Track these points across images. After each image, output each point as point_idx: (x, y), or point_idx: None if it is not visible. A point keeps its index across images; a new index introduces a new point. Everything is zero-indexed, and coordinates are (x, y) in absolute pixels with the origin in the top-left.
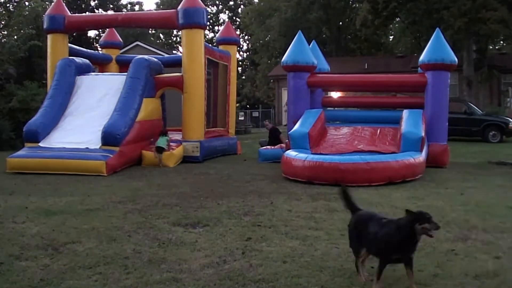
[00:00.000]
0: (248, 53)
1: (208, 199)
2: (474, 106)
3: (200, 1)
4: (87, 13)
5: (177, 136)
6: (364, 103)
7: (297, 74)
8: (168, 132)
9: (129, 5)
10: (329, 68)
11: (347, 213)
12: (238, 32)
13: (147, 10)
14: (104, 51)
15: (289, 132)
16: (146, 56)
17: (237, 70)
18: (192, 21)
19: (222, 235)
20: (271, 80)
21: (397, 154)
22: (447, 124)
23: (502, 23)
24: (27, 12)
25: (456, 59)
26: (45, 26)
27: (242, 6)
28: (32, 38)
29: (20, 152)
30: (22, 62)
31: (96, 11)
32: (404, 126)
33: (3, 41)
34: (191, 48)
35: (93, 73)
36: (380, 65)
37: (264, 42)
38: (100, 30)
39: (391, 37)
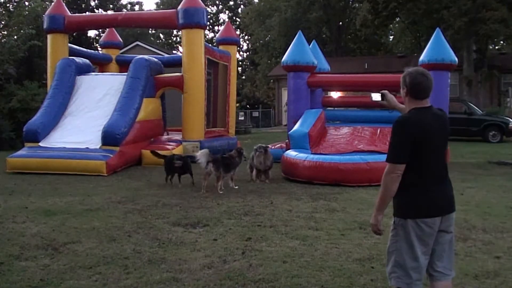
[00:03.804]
0: (248, 53)
1: (208, 199)
2: (474, 106)
3: (200, 1)
4: (87, 13)
5: (177, 136)
6: (364, 103)
7: (297, 74)
8: (168, 131)
9: (129, 5)
10: (329, 68)
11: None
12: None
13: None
14: (104, 51)
15: (289, 132)
16: (146, 56)
17: (237, 70)
18: (192, 21)
19: (222, 235)
20: (271, 80)
21: None
22: None
23: (502, 23)
24: (27, 12)
25: (456, 59)
26: (45, 26)
27: (242, 6)
28: (32, 38)
29: (20, 152)
30: (22, 62)
31: (96, 11)
32: None
33: (3, 41)
34: (191, 48)
35: (93, 73)
36: (380, 65)
37: (264, 42)
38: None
39: (391, 37)
